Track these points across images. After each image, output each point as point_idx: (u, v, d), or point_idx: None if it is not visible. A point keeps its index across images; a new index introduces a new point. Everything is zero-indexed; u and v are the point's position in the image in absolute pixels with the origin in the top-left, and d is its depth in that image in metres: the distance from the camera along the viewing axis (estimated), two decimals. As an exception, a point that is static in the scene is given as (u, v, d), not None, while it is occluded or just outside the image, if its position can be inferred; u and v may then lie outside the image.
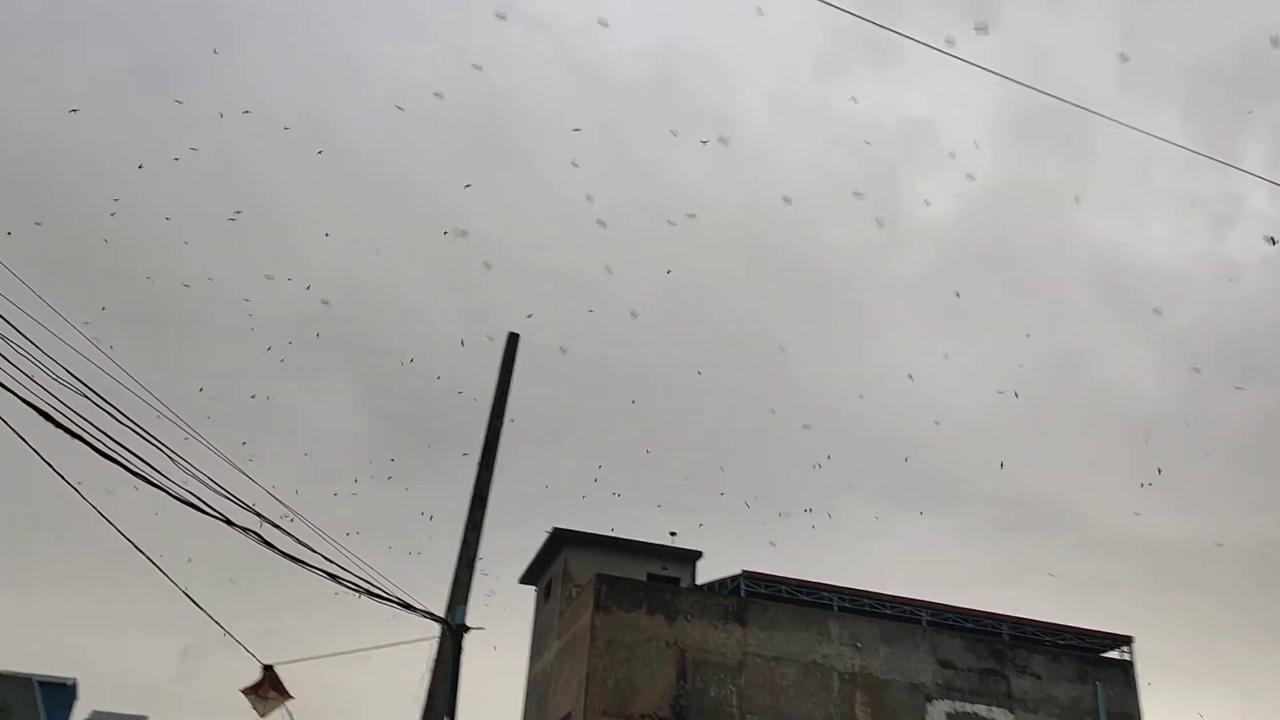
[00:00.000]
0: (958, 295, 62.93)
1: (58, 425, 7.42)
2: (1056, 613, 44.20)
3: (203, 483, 8.81)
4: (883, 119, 69.48)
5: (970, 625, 28.44)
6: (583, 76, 70.22)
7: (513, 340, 14.29)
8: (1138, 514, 64.42)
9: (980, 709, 26.70)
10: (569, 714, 25.25)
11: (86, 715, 46.44)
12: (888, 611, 27.84)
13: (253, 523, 8.89)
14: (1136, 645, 29.14)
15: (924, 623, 27.88)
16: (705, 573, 29.72)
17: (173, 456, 8.62)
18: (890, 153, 69.31)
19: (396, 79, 66.64)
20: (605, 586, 25.49)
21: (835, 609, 27.24)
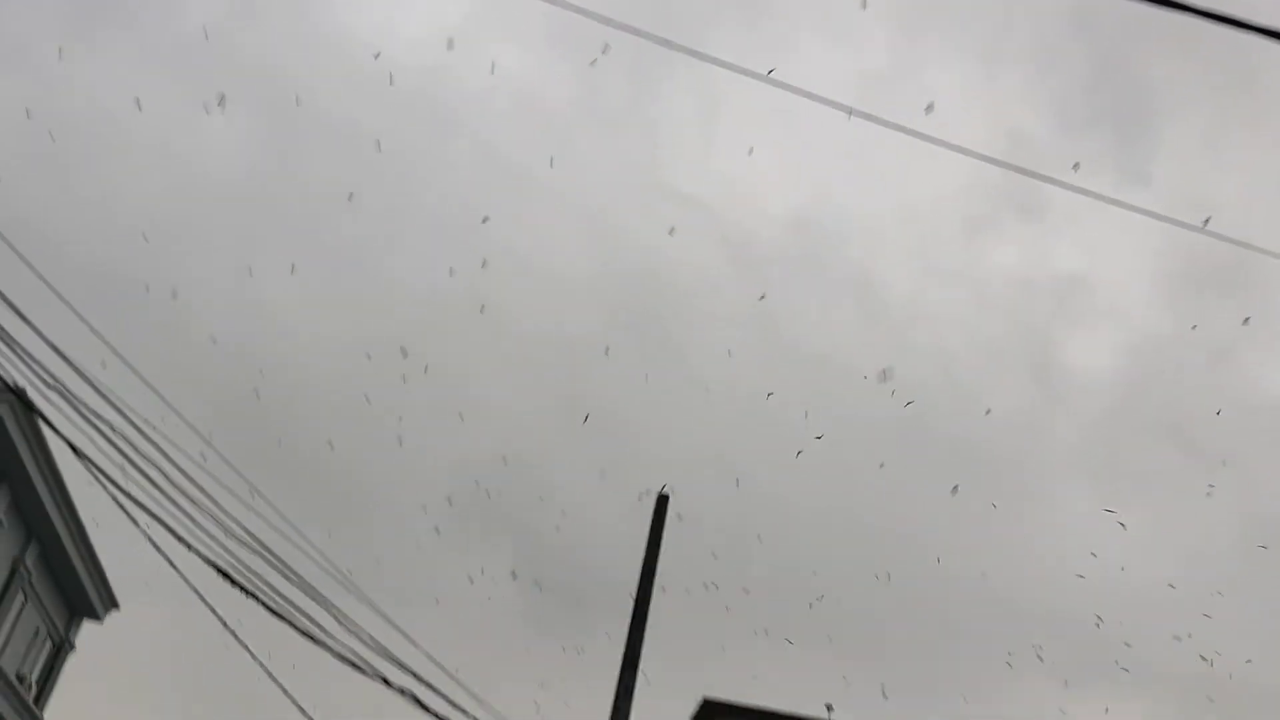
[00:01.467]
0: (1127, 464, 59.45)
1: (233, 583, 7.80)
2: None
3: (363, 642, 9.01)
4: (1034, 276, 68.35)
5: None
6: (729, 250, 72.17)
7: (662, 501, 14.29)
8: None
9: None
10: None
11: None
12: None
13: (409, 684, 8.98)
14: None
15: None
16: (866, 750, 27.97)
17: (337, 617, 8.88)
18: (1044, 311, 67.73)
19: (554, 255, 70.08)
20: (759, 762, 24.26)
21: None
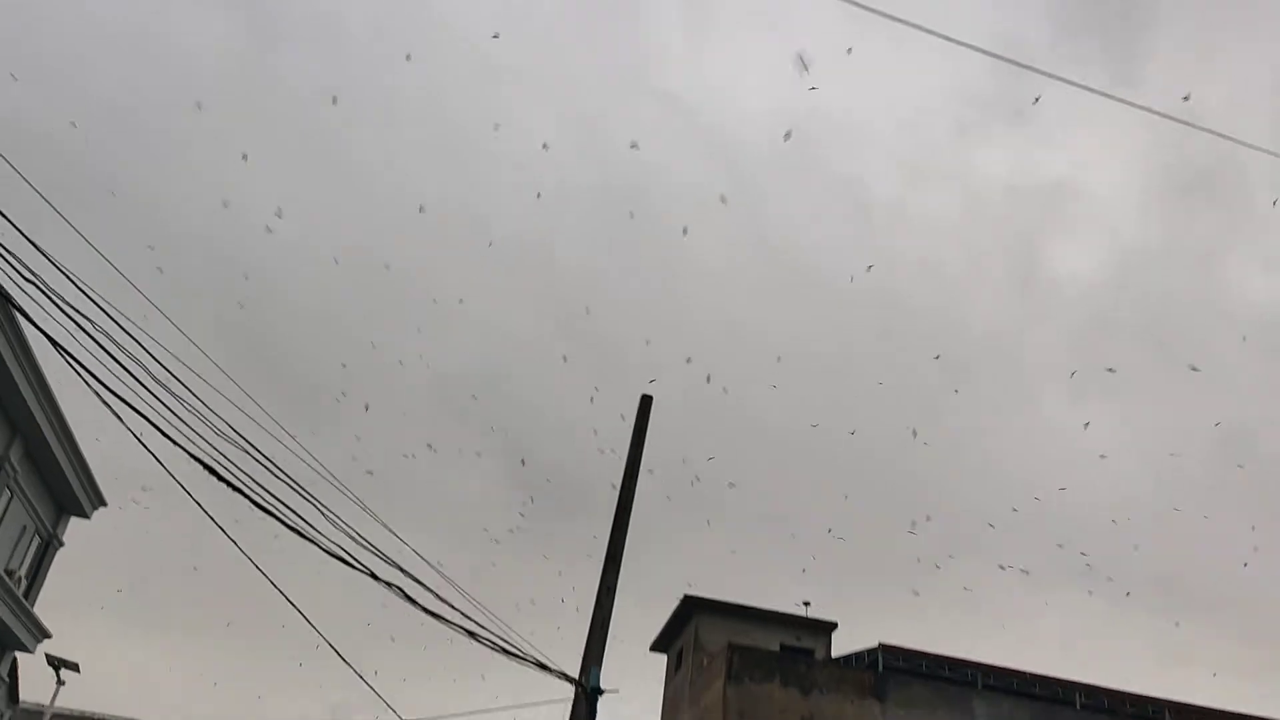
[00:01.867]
0: (1111, 370, 60.17)
1: (220, 479, 7.85)
2: (1227, 699, 41.01)
3: (352, 538, 9.13)
4: (1022, 182, 67.97)
5: (1130, 710, 26.63)
6: (713, 145, 71.26)
7: (645, 403, 14.39)
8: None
9: (1142, 802, 24.87)
10: (700, 787, 24.71)
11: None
12: (1037, 692, 26.36)
13: (396, 578, 9.14)
14: (1319, 739, 26.71)
15: (1077, 705, 26.26)
16: (840, 645, 28.88)
17: (325, 513, 8.97)
18: (1031, 217, 67.58)
19: (540, 161, 69.04)
20: (738, 657, 25.00)
21: (979, 687, 25.97)
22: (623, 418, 13.69)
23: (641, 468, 13.94)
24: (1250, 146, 13.09)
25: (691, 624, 29.48)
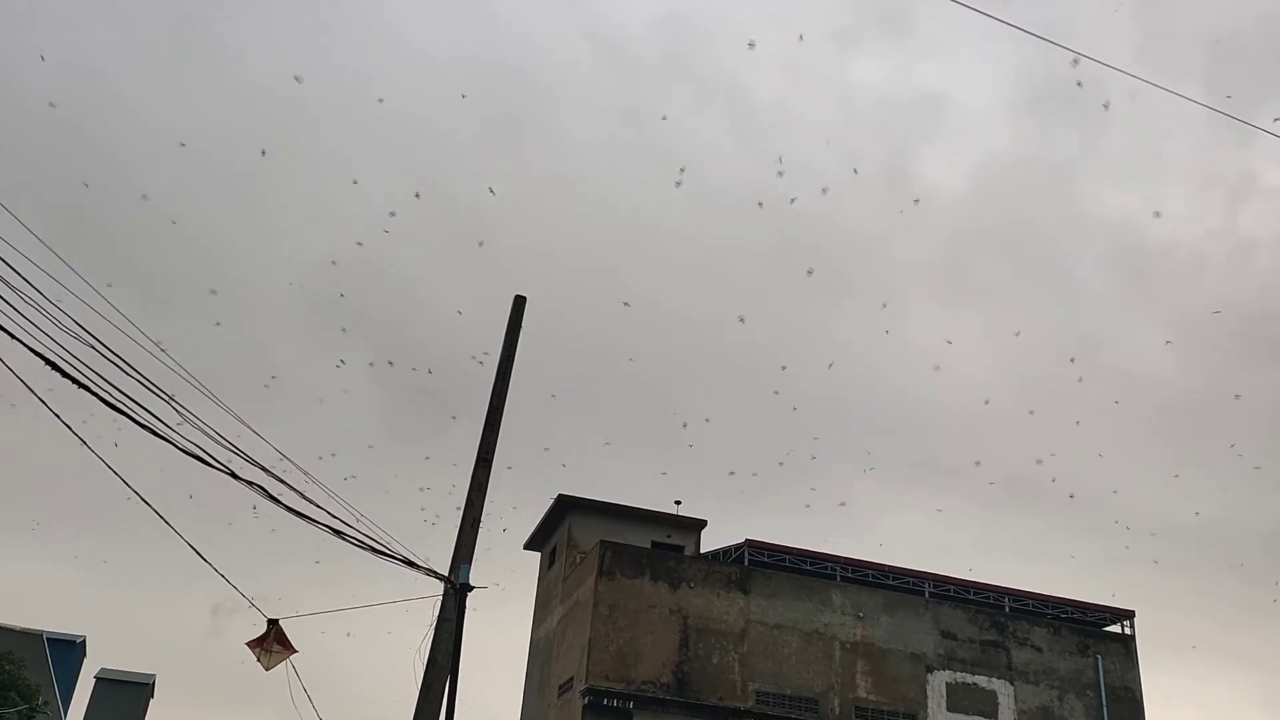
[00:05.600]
0: (969, 274, 62.63)
1: (65, 375, 7.47)
2: (1066, 588, 44.35)
3: (210, 437, 8.86)
4: (897, 92, 68.99)
5: (973, 597, 28.56)
6: (596, 46, 69.79)
7: (519, 303, 14.27)
8: (1150, 496, 64.39)
9: (981, 680, 26.87)
10: (571, 679, 25.48)
11: (96, 673, 46.98)
12: (891, 582, 27.97)
13: (258, 477, 8.95)
14: (1138, 620, 29.26)
15: (927, 594, 28.00)
16: (709, 542, 29.88)
17: (180, 410, 8.67)
18: (903, 126, 68.85)
19: (419, 44, 66.33)
20: (609, 553, 25.64)
21: (838, 579, 27.38)
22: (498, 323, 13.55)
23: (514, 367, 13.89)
24: (1101, 63, 13.57)
25: (565, 523, 29.99)
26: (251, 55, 63.07)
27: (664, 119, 65.09)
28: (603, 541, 26.11)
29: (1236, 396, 57.50)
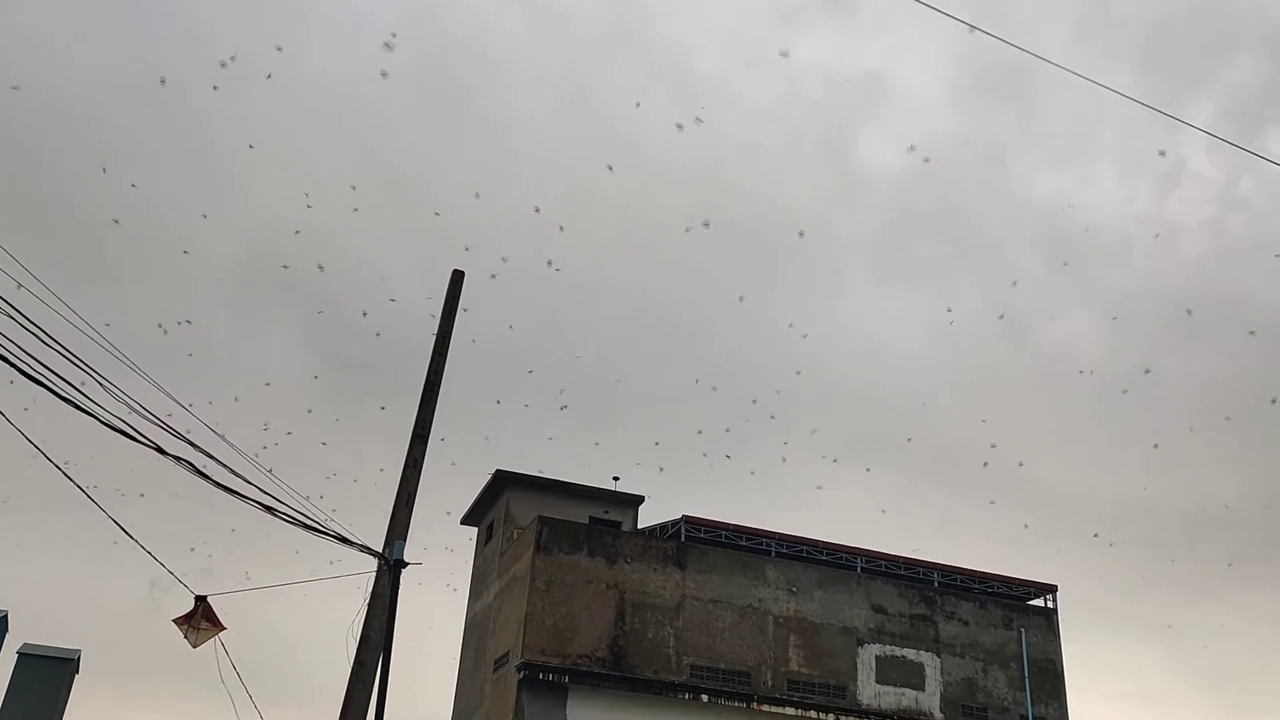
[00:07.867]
0: (906, 253, 63.55)
1: (-19, 346, 7.21)
2: (991, 563, 45.46)
3: (135, 411, 8.65)
4: (839, 71, 69.39)
5: (903, 572, 29.15)
6: (540, 22, 68.98)
7: (457, 277, 14.13)
8: (1075, 472, 66.21)
9: (909, 652, 27.49)
10: (507, 653, 25.51)
11: (18, 648, 45.79)
12: (824, 558, 28.43)
13: (185, 452, 8.76)
14: (1060, 594, 30.17)
15: (858, 569, 28.52)
16: (647, 517, 30.05)
17: (103, 383, 8.44)
18: (845, 105, 69.34)
19: (351, 18, 64.90)
20: (546, 529, 25.66)
21: (773, 555, 27.75)
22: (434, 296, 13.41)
23: (452, 343, 13.78)
24: (1030, 54, 13.79)
25: (503, 498, 29.91)
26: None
27: (604, 91, 64.71)
28: (540, 517, 26.10)
29: (1147, 371, 59.07)
